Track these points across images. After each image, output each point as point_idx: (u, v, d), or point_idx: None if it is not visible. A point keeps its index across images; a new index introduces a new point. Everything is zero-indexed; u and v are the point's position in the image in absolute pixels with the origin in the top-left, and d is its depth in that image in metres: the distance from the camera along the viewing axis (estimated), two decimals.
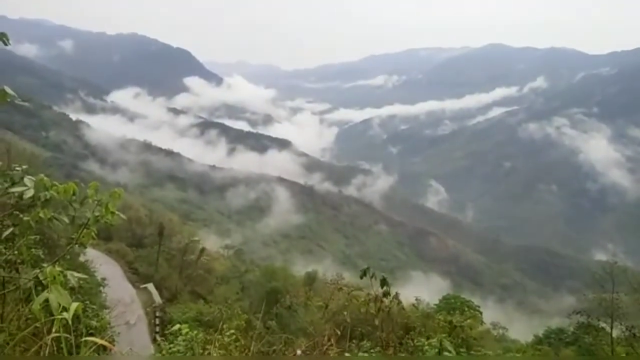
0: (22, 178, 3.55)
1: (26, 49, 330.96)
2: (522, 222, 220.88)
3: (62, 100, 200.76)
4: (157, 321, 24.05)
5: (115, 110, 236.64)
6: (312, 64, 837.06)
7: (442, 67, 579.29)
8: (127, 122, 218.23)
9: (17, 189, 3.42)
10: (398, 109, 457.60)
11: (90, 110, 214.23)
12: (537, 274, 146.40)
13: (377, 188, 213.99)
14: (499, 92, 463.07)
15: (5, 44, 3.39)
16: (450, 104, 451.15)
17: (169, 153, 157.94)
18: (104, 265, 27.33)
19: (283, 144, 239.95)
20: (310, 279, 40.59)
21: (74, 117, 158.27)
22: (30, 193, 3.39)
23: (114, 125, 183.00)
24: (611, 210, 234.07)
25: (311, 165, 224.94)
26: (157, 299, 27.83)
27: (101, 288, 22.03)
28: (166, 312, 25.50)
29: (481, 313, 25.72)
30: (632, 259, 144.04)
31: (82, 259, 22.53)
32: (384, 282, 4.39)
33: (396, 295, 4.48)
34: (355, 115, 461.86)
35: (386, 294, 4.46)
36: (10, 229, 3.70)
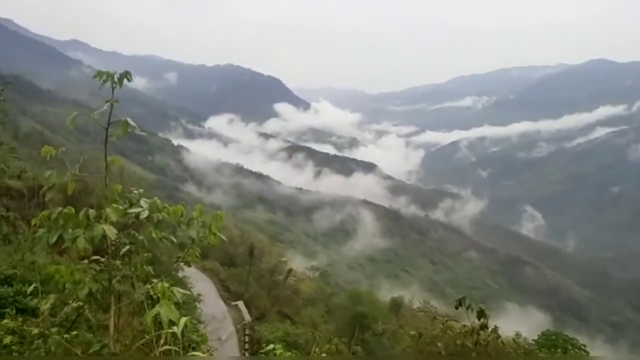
0: (138, 200, 3.91)
1: (137, 82, 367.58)
2: (633, 254, 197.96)
3: (166, 127, 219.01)
4: (247, 339, 24.76)
5: (212, 135, 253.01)
6: (397, 87, 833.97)
7: (536, 86, 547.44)
8: (221, 147, 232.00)
9: (134, 210, 3.77)
10: (488, 130, 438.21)
11: (190, 135, 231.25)
12: None
13: (466, 213, 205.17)
14: (603, 111, 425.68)
15: (129, 80, 3.80)
16: (546, 125, 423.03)
17: (259, 176, 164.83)
18: (200, 282, 28.86)
19: (368, 167, 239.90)
20: (397, 304, 39.58)
21: (175, 142, 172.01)
22: (145, 214, 3.72)
23: (210, 150, 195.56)
24: None
25: (397, 188, 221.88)
26: (247, 316, 28.69)
27: (197, 304, 23.21)
28: (255, 330, 26.18)
29: (588, 353, 23.32)
30: None
31: (180, 274, 24.01)
32: (481, 314, 4.16)
33: (495, 330, 4.21)
34: (442, 138, 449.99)
35: (483, 327, 4.22)
36: (127, 247, 4.07)
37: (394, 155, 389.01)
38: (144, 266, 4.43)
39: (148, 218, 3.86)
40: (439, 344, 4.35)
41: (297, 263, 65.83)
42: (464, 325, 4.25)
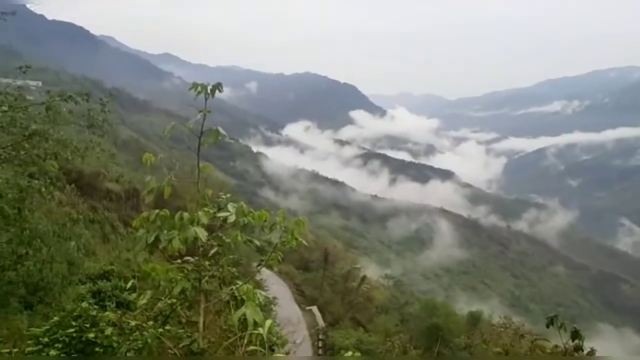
0: (226, 204, 4.13)
1: (222, 92, 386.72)
2: None
3: (246, 134, 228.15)
4: (320, 344, 24.98)
5: (289, 142, 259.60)
6: (477, 92, 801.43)
7: (636, 87, 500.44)
8: (298, 154, 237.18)
9: (222, 214, 3.98)
10: (579, 137, 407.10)
11: (268, 142, 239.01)
12: None
13: (553, 224, 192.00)
14: None
15: (220, 91, 4.04)
16: None
17: (334, 182, 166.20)
18: (275, 285, 29.66)
19: (446, 175, 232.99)
20: (475, 318, 37.90)
21: (255, 149, 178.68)
22: (232, 218, 3.91)
23: (287, 156, 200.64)
24: None
25: (476, 197, 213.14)
26: (321, 322, 28.96)
27: (272, 306, 23.84)
28: (328, 336, 26.34)
29: None
30: None
31: (257, 277, 24.82)
32: (575, 335, 3.87)
33: (591, 352, 3.90)
34: (527, 145, 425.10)
35: (578, 349, 3.92)
36: (215, 249, 4.30)
37: (474, 162, 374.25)
38: (230, 268, 4.64)
39: (235, 222, 4.05)
40: None
41: (371, 270, 65.33)
42: (556, 346, 3.98)
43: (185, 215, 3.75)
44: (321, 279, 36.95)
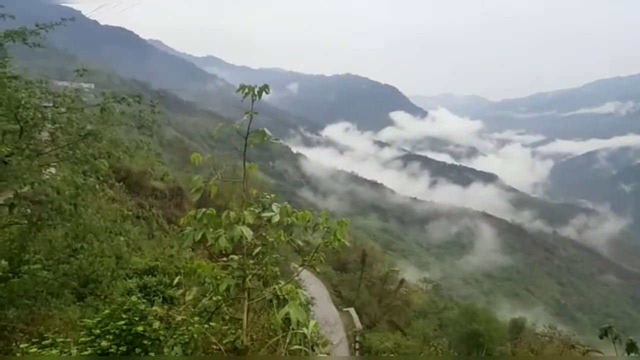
0: (270, 205, 4.19)
1: (263, 94, 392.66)
2: None
3: (286, 135, 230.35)
4: (357, 346, 24.87)
5: (328, 143, 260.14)
6: (523, 93, 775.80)
7: None
8: (337, 155, 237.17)
9: (267, 214, 4.04)
10: (633, 140, 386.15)
11: (308, 143, 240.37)
12: None
13: (604, 231, 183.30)
14: None
15: (267, 93, 4.11)
16: None
17: (373, 184, 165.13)
18: (313, 285, 29.74)
19: (488, 178, 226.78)
20: (517, 327, 36.70)
21: (294, 150, 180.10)
22: (277, 218, 3.97)
23: (326, 157, 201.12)
24: None
25: (520, 201, 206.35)
26: (358, 324, 28.84)
27: (310, 307, 23.92)
28: (365, 338, 26.19)
29: None
30: None
31: (296, 277, 24.97)
32: (631, 348, 3.69)
33: None
34: (576, 148, 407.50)
35: None
36: (259, 248, 4.37)
37: (518, 165, 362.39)
38: (272, 267, 4.70)
39: (279, 222, 4.10)
40: None
41: (409, 274, 64.48)
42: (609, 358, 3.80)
43: (232, 214, 3.83)
44: (358, 280, 36.81)
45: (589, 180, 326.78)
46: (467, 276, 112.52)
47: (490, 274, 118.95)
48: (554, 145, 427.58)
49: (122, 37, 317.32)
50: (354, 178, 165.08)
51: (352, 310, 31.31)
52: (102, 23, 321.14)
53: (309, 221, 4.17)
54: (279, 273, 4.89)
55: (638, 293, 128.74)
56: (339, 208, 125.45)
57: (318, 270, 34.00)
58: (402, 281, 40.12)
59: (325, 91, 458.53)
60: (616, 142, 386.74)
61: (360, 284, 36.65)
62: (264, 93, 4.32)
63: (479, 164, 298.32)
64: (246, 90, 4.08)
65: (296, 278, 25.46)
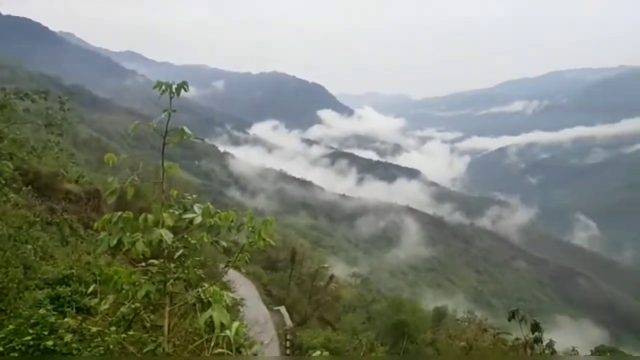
0: (192, 206, 4.05)
1: (188, 91, 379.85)
2: None
3: (212, 133, 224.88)
4: (288, 344, 24.92)
5: (256, 142, 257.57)
6: (442, 92, 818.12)
7: (593, 89, 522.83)
8: (265, 153, 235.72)
9: (188, 216, 3.91)
10: (538, 136, 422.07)
11: (235, 142, 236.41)
12: None
13: (514, 221, 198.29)
14: None
15: (186, 90, 3.96)
16: (603, 130, 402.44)
17: (302, 182, 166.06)
18: (243, 286, 29.37)
19: (412, 174, 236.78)
20: (440, 314, 38.77)
21: (221, 148, 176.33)
22: (199, 220, 3.84)
23: (254, 156, 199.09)
24: None
25: (441, 195, 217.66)
26: (288, 322, 28.91)
27: (240, 307, 23.59)
28: (296, 336, 26.32)
29: None
30: None
31: (224, 278, 24.50)
32: (535, 327, 4.01)
33: (550, 344, 4.05)
34: (489, 144, 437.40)
35: (537, 341, 4.06)
36: (181, 251, 4.22)
37: (439, 161, 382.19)
38: (196, 270, 4.56)
39: (201, 223, 3.98)
40: (490, 357, 4.23)
41: (339, 269, 65.73)
42: (517, 339, 4.11)
43: (150, 217, 3.66)
44: (288, 278, 36.88)
45: (501, 174, 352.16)
46: (393, 269, 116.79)
47: (415, 265, 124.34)
48: (470, 142, 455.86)
49: (28, 29, 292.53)
50: (283, 176, 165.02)
51: (282, 308, 31.32)
52: (3, 13, 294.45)
53: (232, 221, 4.08)
54: (203, 276, 4.76)
55: (544, 277, 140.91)
56: (267, 207, 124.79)
57: (243, 270, 33.65)
58: (332, 277, 40.78)
59: (252, 89, 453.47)
60: (524, 138, 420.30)
61: (290, 282, 36.74)
62: (188, 90, 4.18)
63: (403, 160, 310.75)
64: (163, 87, 3.91)
65: (225, 279, 25.06)
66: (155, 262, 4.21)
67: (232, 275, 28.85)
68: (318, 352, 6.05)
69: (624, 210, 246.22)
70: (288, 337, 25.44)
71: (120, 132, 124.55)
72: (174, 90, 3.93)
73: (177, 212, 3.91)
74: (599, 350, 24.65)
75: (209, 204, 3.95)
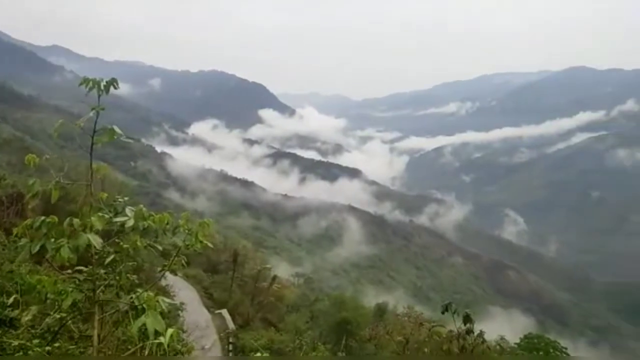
0: (123, 208, 3.87)
1: (120, 88, 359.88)
2: (615, 258, 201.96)
3: (149, 133, 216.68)
4: (231, 347, 24.49)
5: (195, 141, 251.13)
6: (382, 93, 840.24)
7: (518, 92, 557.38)
8: (205, 153, 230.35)
9: (120, 219, 3.72)
10: (471, 136, 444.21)
11: (173, 142, 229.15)
12: (634, 315, 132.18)
13: (450, 218, 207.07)
14: (583, 117, 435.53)
15: (115, 88, 3.78)
16: (528, 131, 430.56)
17: (244, 182, 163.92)
18: (183, 290, 28.48)
19: (353, 173, 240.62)
20: (381, 310, 39.60)
21: (158, 148, 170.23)
22: (131, 223, 3.68)
23: (193, 156, 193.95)
24: None
25: (381, 194, 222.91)
26: (231, 324, 28.40)
27: (180, 312, 22.89)
28: (239, 338, 25.91)
29: (569, 355, 23.61)
30: None
31: (163, 283, 23.67)
32: (467, 319, 4.20)
33: (480, 334, 4.26)
34: (427, 144, 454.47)
35: (469, 332, 4.26)
36: (112, 256, 4.02)
37: (379, 161, 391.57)
38: (129, 275, 4.37)
39: (133, 226, 3.81)
40: (425, 350, 4.38)
41: (282, 269, 65.60)
42: (450, 331, 4.28)
43: (76, 221, 3.45)
44: (230, 280, 36.24)
45: (438, 172, 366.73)
46: (336, 267, 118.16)
47: (357, 263, 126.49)
48: (409, 142, 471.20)
49: None
50: (224, 177, 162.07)
51: (224, 311, 30.71)
52: None
53: (167, 224, 3.94)
54: (137, 281, 4.57)
55: (478, 271, 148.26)
56: (208, 208, 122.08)
57: (180, 275, 32.72)
58: (275, 278, 40.48)
59: (190, 87, 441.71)
60: (458, 138, 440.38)
61: (232, 284, 36.10)
62: (118, 88, 3.98)
63: (344, 160, 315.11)
64: (90, 84, 3.70)
65: (163, 284, 24.19)
66: (84, 268, 3.99)
67: (172, 279, 27.92)
68: (262, 354, 6.00)
69: (548, 206, 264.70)
70: (230, 340, 25.00)
71: (47, 131, 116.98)
72: (102, 87, 3.73)
73: (107, 216, 3.72)
74: (526, 337, 26.26)
75: (141, 206, 3.79)
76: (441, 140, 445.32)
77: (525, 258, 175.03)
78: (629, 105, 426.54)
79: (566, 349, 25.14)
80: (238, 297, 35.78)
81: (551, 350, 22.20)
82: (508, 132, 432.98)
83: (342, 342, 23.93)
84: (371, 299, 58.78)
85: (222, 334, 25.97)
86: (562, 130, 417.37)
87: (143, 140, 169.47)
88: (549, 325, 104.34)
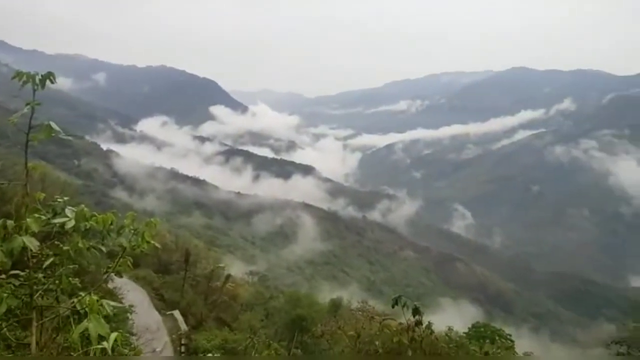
0: (63, 209, 3.68)
1: (61, 82, 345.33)
2: (553, 249, 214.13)
3: (93, 130, 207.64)
4: (183, 349, 23.97)
5: (144, 139, 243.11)
6: (334, 90, 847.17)
7: (465, 91, 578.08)
8: (155, 151, 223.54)
9: (59, 220, 3.54)
10: (421, 133, 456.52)
11: (120, 139, 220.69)
12: (571, 302, 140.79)
13: (402, 213, 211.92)
14: (525, 115, 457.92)
15: (52, 82, 3.58)
16: (474, 128, 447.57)
17: (195, 180, 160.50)
18: (131, 292, 27.53)
19: (307, 170, 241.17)
20: (336, 306, 39.97)
21: (104, 146, 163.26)
22: (71, 224, 3.51)
23: (142, 154, 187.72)
24: None
25: (335, 190, 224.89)
26: (183, 325, 27.80)
27: (129, 315, 22.15)
28: (192, 340, 25.40)
29: (513, 342, 24.82)
30: None
31: (110, 285, 22.82)
32: (416, 311, 4.32)
33: (429, 325, 4.39)
34: (379, 141, 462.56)
35: (418, 324, 4.38)
36: (51, 259, 3.82)
37: (332, 158, 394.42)
38: (70, 279, 4.17)
39: (74, 227, 3.64)
40: (377, 343, 4.47)
41: (236, 268, 64.85)
42: (400, 323, 4.39)
43: (10, 223, 3.25)
44: (182, 281, 35.44)
45: (389, 169, 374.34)
46: (291, 265, 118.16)
47: (312, 260, 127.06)
48: (361, 139, 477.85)
49: None
50: (175, 175, 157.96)
51: (176, 312, 30.00)
52: None
53: (111, 224, 3.79)
54: (79, 285, 4.37)
55: (429, 264, 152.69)
56: (158, 207, 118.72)
57: (125, 276, 31.66)
58: (229, 276, 39.95)
59: (138, 83, 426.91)
60: (409, 135, 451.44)
61: (184, 285, 35.32)
62: (55, 82, 3.77)
63: (297, 157, 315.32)
64: (24, 77, 3.49)
65: (111, 287, 23.29)
66: (21, 273, 3.78)
67: (121, 281, 26.96)
68: (213, 354, 5.89)
69: (493, 200, 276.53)
70: (183, 341, 24.47)
71: None
72: (37, 81, 3.53)
73: (44, 217, 3.53)
74: (474, 326, 27.29)
75: (83, 206, 3.62)
76: (392, 138, 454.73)
77: (472, 250, 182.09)
78: (566, 104, 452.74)
79: (510, 335, 26.40)
80: (190, 298, 35.08)
81: (497, 338, 23.23)
82: (456, 129, 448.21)
83: (297, 339, 24.01)
84: (326, 294, 59.24)
85: (174, 336, 25.38)
86: (506, 128, 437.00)
87: (87, 137, 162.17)
88: (495, 314, 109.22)
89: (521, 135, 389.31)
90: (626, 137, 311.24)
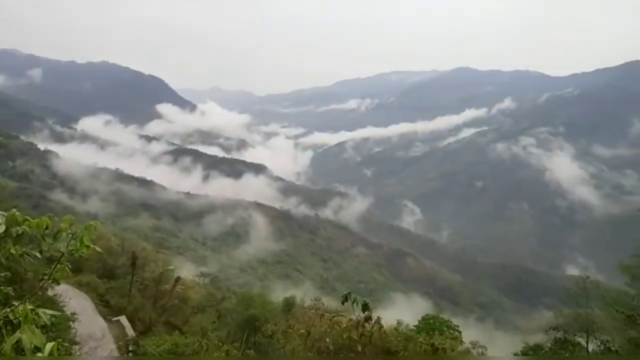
0: None
1: None
2: (496, 241, 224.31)
3: (29, 129, 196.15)
4: (130, 355, 23.16)
5: (85, 138, 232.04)
6: (285, 89, 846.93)
7: (413, 90, 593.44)
8: (98, 151, 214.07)
9: None
10: (371, 131, 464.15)
11: (59, 139, 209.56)
12: (513, 291, 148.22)
13: (353, 210, 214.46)
14: (469, 114, 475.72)
15: None
16: (422, 126, 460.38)
17: (143, 181, 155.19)
18: (74, 299, 26.26)
19: (258, 169, 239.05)
20: (289, 304, 39.93)
21: (42, 146, 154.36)
22: (1, 229, 3.30)
23: (84, 154, 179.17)
24: (580, 226, 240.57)
25: (287, 189, 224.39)
26: (130, 331, 26.89)
27: (71, 323, 21.13)
28: (140, 345, 24.58)
29: (460, 333, 25.73)
30: (603, 272, 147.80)
31: (50, 293, 21.67)
32: (365, 307, 4.38)
33: (378, 320, 4.47)
34: (330, 139, 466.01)
35: (368, 319, 4.45)
36: None
37: (284, 156, 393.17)
38: (2, 287, 3.92)
39: (6, 233, 3.43)
40: (327, 340, 4.50)
41: (186, 270, 63.40)
42: (350, 320, 4.44)
43: None
44: (129, 285, 34.22)
45: (341, 167, 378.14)
46: (243, 265, 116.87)
47: (264, 259, 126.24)
48: (312, 137, 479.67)
49: None
50: (120, 176, 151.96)
51: (123, 318, 28.96)
52: None
53: (47, 228, 3.59)
54: (12, 293, 4.12)
55: (380, 260, 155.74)
56: (102, 209, 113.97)
57: (64, 283, 30.20)
58: (178, 279, 38.96)
59: (78, 79, 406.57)
60: (359, 133, 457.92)
61: (131, 289, 34.11)
62: (1, 80, 3.52)
63: (249, 156, 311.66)
64: None
65: (51, 294, 22.11)
66: None
67: (62, 288, 25.66)
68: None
69: (440, 196, 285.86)
70: (130, 348, 23.63)
71: None
72: None
73: None
74: (424, 319, 28.13)
75: (14, 210, 3.41)
76: (343, 136, 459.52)
77: (421, 245, 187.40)
78: (506, 103, 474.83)
79: (458, 326, 27.40)
80: (138, 302, 33.96)
81: (445, 329, 24.03)
82: (404, 127, 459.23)
83: (248, 339, 23.78)
84: (279, 293, 59.06)
85: (120, 343, 24.47)
86: (451, 126, 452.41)
87: (23, 137, 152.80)
88: (444, 306, 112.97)
89: (465, 133, 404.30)
90: (561, 134, 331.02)
